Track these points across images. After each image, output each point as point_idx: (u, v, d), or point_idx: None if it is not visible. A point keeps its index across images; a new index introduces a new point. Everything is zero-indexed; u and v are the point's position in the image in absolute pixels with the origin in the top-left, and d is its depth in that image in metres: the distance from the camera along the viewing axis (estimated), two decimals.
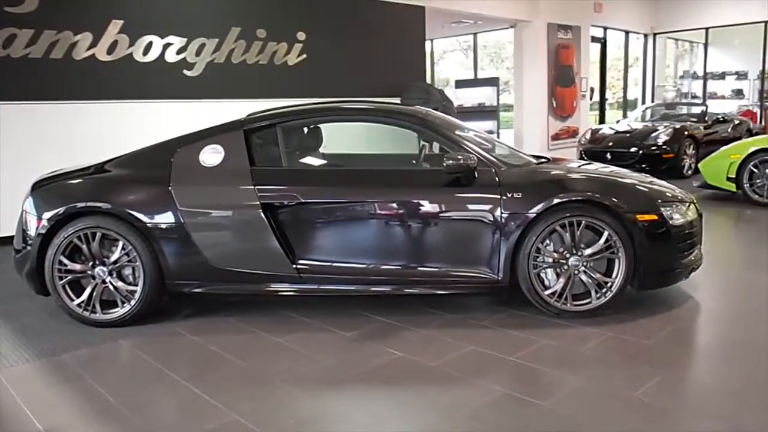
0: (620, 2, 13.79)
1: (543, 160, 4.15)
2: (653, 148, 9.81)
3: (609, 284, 3.59)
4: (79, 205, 3.63)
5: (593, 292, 3.60)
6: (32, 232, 3.70)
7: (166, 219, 3.61)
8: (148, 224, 3.60)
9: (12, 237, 3.99)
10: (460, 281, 3.63)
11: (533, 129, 12.02)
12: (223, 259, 3.63)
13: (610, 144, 10.25)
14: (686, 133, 10.05)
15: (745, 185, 7.23)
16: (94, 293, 3.66)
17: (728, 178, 7.34)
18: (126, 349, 3.40)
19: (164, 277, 3.65)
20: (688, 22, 14.59)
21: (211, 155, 3.75)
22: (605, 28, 13.76)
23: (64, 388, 2.94)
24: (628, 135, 10.28)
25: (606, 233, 3.54)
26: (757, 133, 11.72)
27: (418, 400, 2.73)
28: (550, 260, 3.60)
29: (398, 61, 9.44)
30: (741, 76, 15.19)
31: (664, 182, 4.12)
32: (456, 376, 2.94)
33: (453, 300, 3.97)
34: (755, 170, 7.18)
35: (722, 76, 15.48)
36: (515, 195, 3.55)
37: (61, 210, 3.62)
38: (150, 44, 6.94)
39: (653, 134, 9.99)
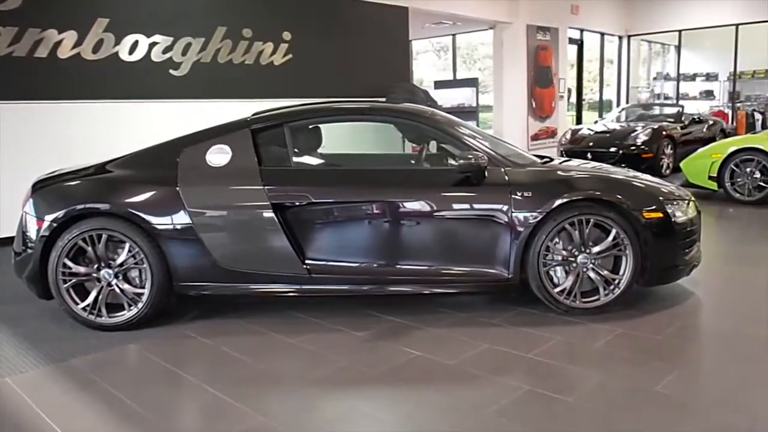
0: (596, 5, 14.02)
1: (546, 159, 4.19)
2: (632, 148, 9.99)
3: (616, 281, 3.65)
4: (85, 206, 3.55)
5: (601, 289, 3.66)
6: (34, 234, 3.61)
7: (174, 220, 3.56)
8: (155, 225, 3.54)
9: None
10: (471, 280, 3.66)
11: (513, 129, 12.12)
12: (233, 259, 3.59)
13: (591, 144, 10.40)
14: (664, 133, 10.26)
15: (727, 184, 7.42)
16: (100, 296, 3.58)
17: (710, 177, 7.52)
18: (137, 353, 3.34)
19: (172, 279, 3.60)
20: (662, 25, 14.91)
21: (218, 155, 3.71)
22: (582, 30, 13.98)
23: (80, 393, 2.87)
24: (607, 135, 10.45)
25: (614, 231, 3.60)
26: (729, 133, 12.05)
27: (442, 398, 2.73)
28: (559, 258, 3.64)
29: (383, 61, 9.45)
30: (711, 77, 15.57)
31: (663, 181, 4.20)
32: (476, 374, 2.95)
33: (460, 299, 3.99)
34: (736, 169, 7.36)
35: (693, 77, 15.84)
36: (525, 194, 3.59)
37: (65, 211, 3.54)
38: (136, 43, 6.82)
39: (632, 134, 10.17)
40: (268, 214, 3.54)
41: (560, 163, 4.19)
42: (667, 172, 9.95)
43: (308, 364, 3.13)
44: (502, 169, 3.68)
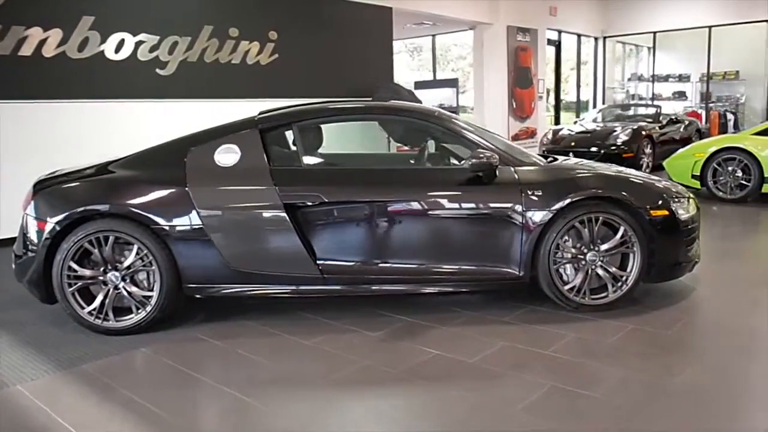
0: (573, 6, 14.21)
1: (551, 159, 4.23)
2: (613, 147, 10.15)
3: (624, 278, 3.71)
4: (92, 207, 3.47)
5: (609, 286, 3.71)
6: (37, 237, 3.51)
7: (184, 221, 3.50)
8: (165, 227, 3.47)
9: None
10: (483, 278, 3.68)
11: (494, 130, 12.10)
12: (244, 261, 3.54)
13: (572, 144, 10.54)
14: (644, 133, 10.45)
15: (710, 182, 7.59)
16: (107, 300, 3.50)
17: (693, 176, 7.68)
18: (149, 357, 3.27)
19: (181, 281, 3.54)
20: (637, 26, 15.19)
21: (227, 155, 3.65)
22: (560, 32, 14.16)
23: (100, 399, 2.80)
24: (588, 135, 10.61)
25: (622, 228, 3.65)
26: (704, 133, 12.34)
27: (469, 397, 2.73)
28: (569, 256, 3.68)
29: (367, 61, 9.44)
30: (684, 78, 15.91)
31: (662, 179, 4.28)
32: (498, 371, 2.96)
33: (468, 297, 4.00)
34: (719, 168, 7.54)
35: (666, 78, 16.17)
36: (536, 192, 3.62)
37: (71, 213, 3.45)
38: (122, 41, 6.69)
39: (613, 134, 10.35)
40: (281, 214, 3.51)
41: (566, 162, 4.23)
42: (647, 171, 10.13)
43: (327, 364, 3.10)
44: (513, 168, 3.71)
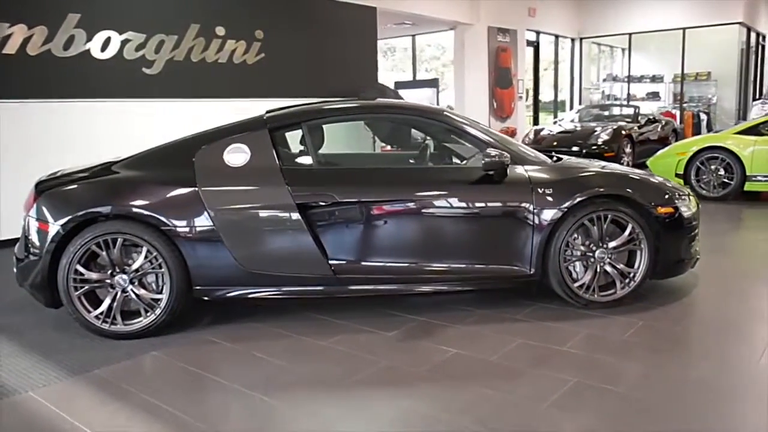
0: (551, 8, 14.39)
1: (556, 158, 4.26)
2: (594, 147, 10.31)
3: (632, 274, 3.76)
4: (100, 209, 3.39)
5: (618, 283, 3.75)
6: (41, 239, 3.41)
7: (195, 222, 3.44)
8: (175, 228, 3.40)
9: None
10: (495, 277, 3.69)
11: None
12: (257, 262, 3.49)
13: (554, 143, 10.67)
14: (623, 132, 10.64)
15: (693, 181, 7.75)
16: (115, 303, 3.42)
17: (677, 174, 7.83)
18: (164, 360, 3.20)
19: (191, 283, 3.48)
20: (613, 28, 15.44)
21: (236, 155, 3.60)
22: (538, 33, 14.31)
23: (119, 403, 2.73)
24: (570, 135, 10.76)
25: (630, 226, 3.70)
26: (680, 133, 12.60)
27: (496, 394, 2.73)
28: (578, 253, 3.72)
29: (353, 61, 9.42)
30: (657, 79, 16.23)
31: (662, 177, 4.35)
32: (521, 369, 2.98)
33: (477, 296, 4.01)
34: (702, 167, 7.70)
35: (640, 79, 16.48)
36: (546, 191, 3.64)
37: (78, 215, 3.37)
38: (108, 40, 6.56)
39: (594, 134, 10.51)
40: (293, 214, 3.47)
41: (572, 161, 4.26)
42: None
43: (348, 365, 3.08)
44: (523, 167, 3.73)
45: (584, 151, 10.27)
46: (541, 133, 11.25)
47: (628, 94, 16.13)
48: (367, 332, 3.50)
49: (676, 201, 3.85)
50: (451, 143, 4.51)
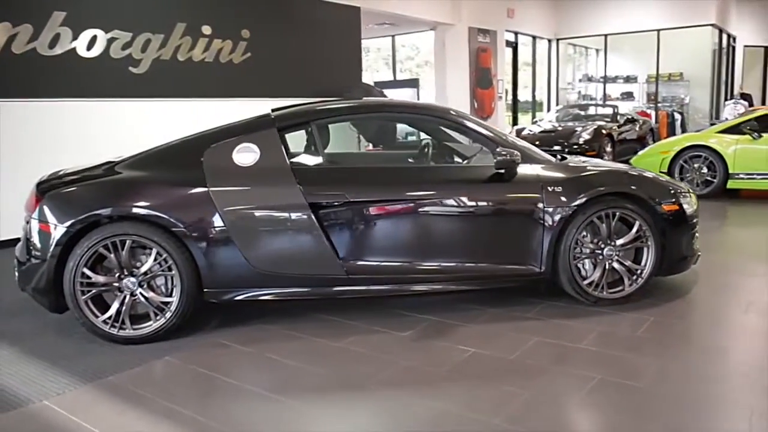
0: (529, 9, 14.53)
1: (560, 157, 4.29)
2: (575, 146, 10.44)
3: (639, 271, 3.80)
4: (109, 210, 3.30)
5: (626, 280, 3.79)
6: (46, 242, 3.31)
7: (206, 223, 3.37)
8: (186, 229, 3.33)
9: None
10: (506, 275, 3.70)
11: None
12: (269, 262, 3.44)
13: (537, 143, 10.73)
14: (604, 132, 10.80)
15: (677, 179, 7.88)
16: (123, 307, 3.33)
17: (661, 173, 7.95)
18: (178, 365, 3.13)
19: (202, 285, 3.41)
20: (589, 29, 15.65)
21: (246, 154, 3.54)
22: (516, 33, 14.44)
23: (140, 410, 2.66)
24: (552, 134, 10.88)
25: (637, 223, 3.74)
26: (656, 132, 12.83)
27: (523, 393, 2.72)
28: (587, 251, 3.75)
29: (337, 60, 9.37)
30: (631, 79, 16.51)
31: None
32: (543, 366, 2.98)
33: (485, 294, 4.00)
34: (685, 165, 7.85)
35: (614, 79, 16.74)
36: (556, 189, 3.67)
37: (86, 216, 3.28)
38: (94, 38, 6.41)
39: (575, 133, 10.65)
40: (306, 214, 3.43)
41: (577, 159, 4.30)
42: None
43: (367, 366, 3.05)
44: (533, 165, 3.75)
45: (566, 150, 10.40)
46: (523, 133, 11.35)
47: (604, 94, 16.38)
48: (380, 332, 3.48)
49: (681, 198, 3.91)
50: (451, 142, 4.51)
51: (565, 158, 4.26)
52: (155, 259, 3.34)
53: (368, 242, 3.57)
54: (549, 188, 3.66)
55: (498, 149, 3.64)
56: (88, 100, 6.39)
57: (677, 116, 14.81)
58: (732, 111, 13.26)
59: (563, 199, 3.65)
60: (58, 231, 3.29)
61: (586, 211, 3.68)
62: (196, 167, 3.48)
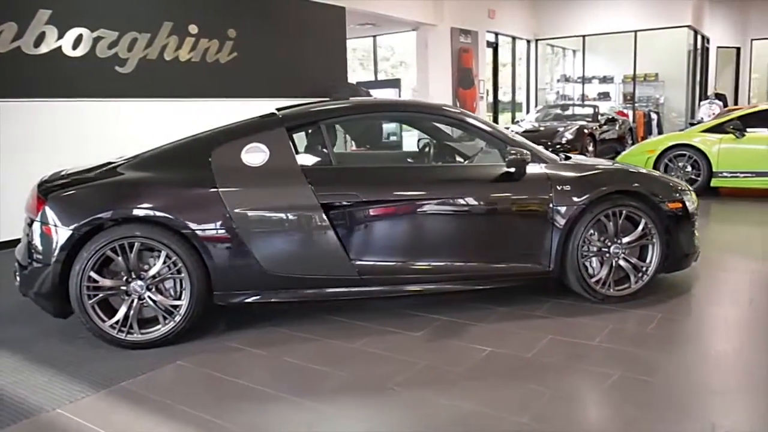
0: (508, 10, 14.64)
1: (563, 156, 4.32)
2: (559, 146, 10.55)
3: (645, 269, 3.84)
4: (117, 212, 3.22)
5: (632, 277, 3.83)
6: (50, 245, 3.21)
7: (216, 224, 3.31)
8: (196, 231, 3.27)
9: None
10: (515, 274, 3.71)
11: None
12: (280, 264, 3.40)
13: None
14: (586, 131, 10.93)
15: None
16: (131, 311, 3.26)
17: None
18: (193, 370, 3.06)
19: (212, 288, 3.35)
20: (568, 30, 15.83)
21: (254, 154, 3.49)
22: (497, 34, 14.53)
23: (159, 416, 2.59)
24: (536, 134, 10.96)
25: (643, 221, 3.79)
26: (634, 131, 13.02)
27: (546, 390, 2.72)
28: (595, 249, 3.78)
29: (323, 60, 9.33)
30: (608, 80, 16.75)
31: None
32: (560, 364, 2.99)
33: (491, 293, 3.99)
34: (670, 164, 7.98)
35: (590, 80, 16.97)
36: (564, 188, 3.69)
37: (93, 218, 3.19)
38: (80, 37, 6.28)
39: (558, 133, 10.76)
40: (318, 214, 3.39)
41: (581, 158, 4.33)
42: None
43: (386, 367, 3.02)
44: (541, 164, 3.76)
45: (550, 149, 10.48)
46: None
47: (583, 94, 16.59)
48: (393, 333, 3.46)
49: (683, 196, 3.96)
50: (451, 142, 4.52)
51: (569, 157, 4.29)
52: (164, 262, 3.27)
53: (380, 242, 3.54)
54: (558, 187, 3.68)
55: (508, 148, 3.65)
56: (74, 100, 6.25)
57: (653, 116, 15.07)
58: (707, 111, 13.53)
59: (572, 197, 3.68)
60: (63, 234, 3.20)
61: (593, 210, 3.71)
62: (205, 168, 3.41)
